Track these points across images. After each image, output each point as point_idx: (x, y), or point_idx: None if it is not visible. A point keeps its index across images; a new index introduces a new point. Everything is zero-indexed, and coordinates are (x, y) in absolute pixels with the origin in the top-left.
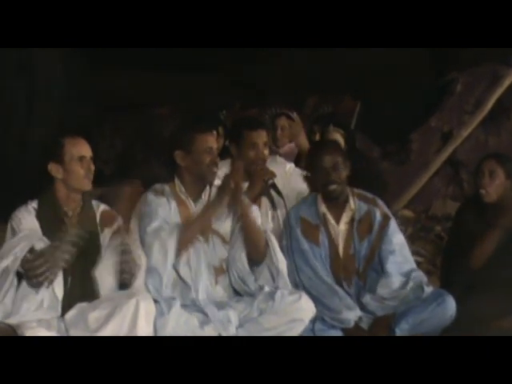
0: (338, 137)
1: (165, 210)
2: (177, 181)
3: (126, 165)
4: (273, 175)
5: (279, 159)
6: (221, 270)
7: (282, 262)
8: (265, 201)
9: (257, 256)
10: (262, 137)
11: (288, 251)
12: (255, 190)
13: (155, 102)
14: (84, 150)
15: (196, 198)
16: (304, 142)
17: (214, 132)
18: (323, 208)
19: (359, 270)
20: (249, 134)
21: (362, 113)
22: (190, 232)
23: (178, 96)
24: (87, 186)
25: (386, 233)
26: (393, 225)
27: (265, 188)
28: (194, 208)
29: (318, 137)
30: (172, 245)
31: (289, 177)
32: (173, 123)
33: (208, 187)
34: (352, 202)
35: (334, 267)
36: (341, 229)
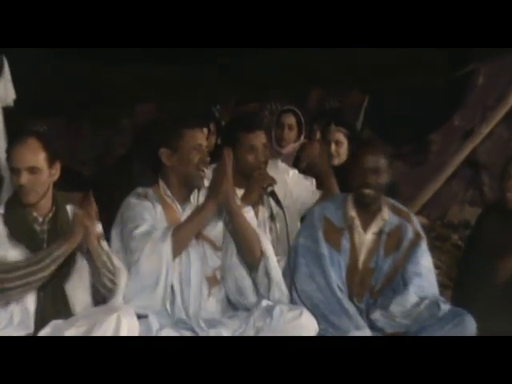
0: (341, 137)
1: (151, 214)
2: (161, 183)
3: (106, 166)
4: (272, 181)
5: (281, 165)
6: (214, 281)
7: (275, 268)
8: (262, 210)
9: (252, 259)
10: (260, 138)
11: (301, 253)
12: (252, 198)
13: (139, 97)
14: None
15: (184, 201)
16: (324, 165)
17: (205, 129)
18: (353, 212)
19: (375, 286)
20: (246, 137)
21: (370, 109)
22: (185, 234)
23: (164, 90)
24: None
25: (414, 253)
26: (423, 245)
27: (263, 196)
28: (182, 213)
29: (318, 135)
30: (167, 249)
31: (291, 185)
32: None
33: (196, 192)
34: (385, 212)
35: (349, 279)
36: (367, 238)
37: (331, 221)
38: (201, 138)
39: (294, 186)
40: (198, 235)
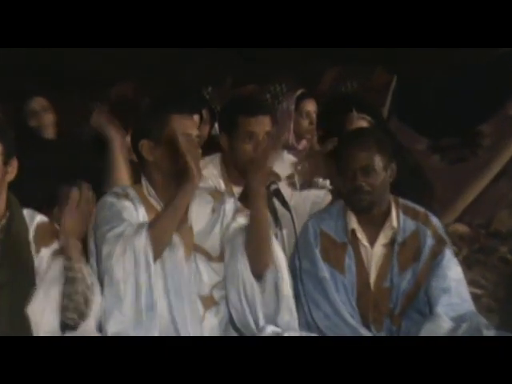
0: (364, 126)
1: (130, 214)
2: (144, 181)
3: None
4: (276, 178)
5: (287, 156)
6: (210, 301)
7: (286, 282)
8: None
9: (257, 265)
10: (263, 125)
11: (300, 278)
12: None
13: (114, 78)
14: None
15: None
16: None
17: (196, 116)
18: (353, 222)
19: (394, 309)
20: (245, 122)
21: (399, 92)
22: (165, 226)
23: (144, 69)
24: None
25: (439, 263)
26: (448, 253)
27: (265, 196)
28: None
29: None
30: (144, 246)
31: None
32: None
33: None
34: (394, 218)
35: (361, 304)
36: (375, 252)
37: (330, 235)
38: (190, 127)
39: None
40: (189, 245)
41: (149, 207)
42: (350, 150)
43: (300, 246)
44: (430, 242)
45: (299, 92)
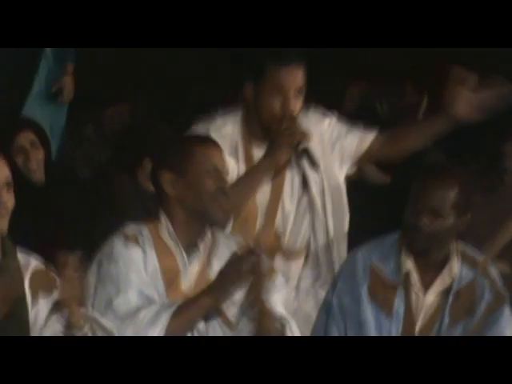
0: None
1: (139, 272)
2: (164, 218)
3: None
4: (305, 138)
5: (313, 113)
6: None
7: None
8: (291, 176)
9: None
10: (295, 78)
11: (339, 317)
12: (277, 160)
13: (112, 92)
14: None
15: (189, 245)
16: None
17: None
18: (409, 263)
19: None
20: (274, 72)
21: (429, 113)
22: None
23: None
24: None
25: (495, 321)
26: (507, 311)
27: (292, 157)
28: (187, 264)
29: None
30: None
31: (329, 138)
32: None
33: (209, 230)
34: (455, 265)
35: None
36: (427, 299)
37: (381, 273)
38: (217, 158)
39: (332, 138)
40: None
41: (162, 250)
42: (426, 183)
43: (343, 279)
44: (487, 295)
45: None
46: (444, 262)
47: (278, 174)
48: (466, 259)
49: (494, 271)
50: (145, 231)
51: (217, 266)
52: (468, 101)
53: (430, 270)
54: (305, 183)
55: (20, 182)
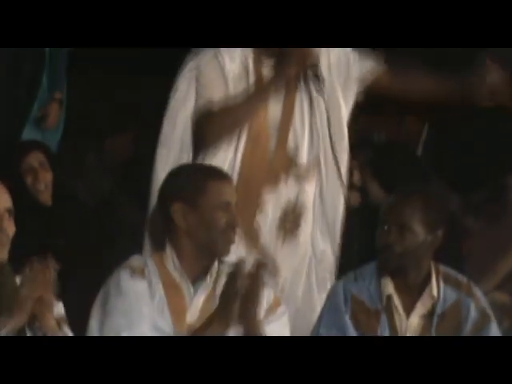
0: None
1: (150, 307)
2: (170, 250)
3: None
4: (316, 60)
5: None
6: None
7: None
8: (300, 98)
9: None
10: None
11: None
12: (286, 75)
13: (114, 123)
14: None
15: (196, 278)
16: None
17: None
18: (389, 287)
19: None
20: None
21: (430, 142)
22: None
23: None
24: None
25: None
26: (494, 329)
27: (300, 78)
28: (193, 296)
29: (358, 184)
30: None
31: (338, 62)
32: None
33: (216, 263)
34: (434, 286)
35: None
36: (411, 323)
37: (361, 300)
38: (229, 193)
39: (340, 63)
40: None
41: (168, 282)
42: (391, 200)
43: (327, 312)
44: (473, 315)
45: None
46: (424, 285)
47: (288, 95)
48: (448, 281)
49: (478, 292)
50: (150, 263)
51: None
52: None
53: (411, 293)
54: (311, 105)
55: (27, 202)
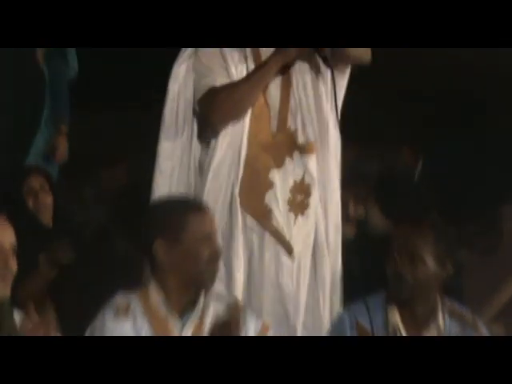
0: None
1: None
2: (153, 285)
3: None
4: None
5: None
6: None
7: None
8: (300, 73)
9: None
10: None
11: None
12: (284, 55)
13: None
14: None
15: (183, 311)
16: None
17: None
18: (396, 317)
19: None
20: None
21: (426, 173)
22: None
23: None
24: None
25: None
26: None
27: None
28: (181, 329)
29: (355, 218)
30: None
31: None
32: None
33: (203, 294)
34: (441, 320)
35: None
36: None
37: (366, 329)
38: (209, 224)
39: None
40: None
41: (154, 317)
42: (402, 231)
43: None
44: None
45: None
46: (429, 317)
47: (286, 72)
48: (455, 315)
49: (481, 325)
50: (134, 300)
51: (209, 325)
52: None
53: (417, 325)
54: (317, 74)
55: (29, 224)
